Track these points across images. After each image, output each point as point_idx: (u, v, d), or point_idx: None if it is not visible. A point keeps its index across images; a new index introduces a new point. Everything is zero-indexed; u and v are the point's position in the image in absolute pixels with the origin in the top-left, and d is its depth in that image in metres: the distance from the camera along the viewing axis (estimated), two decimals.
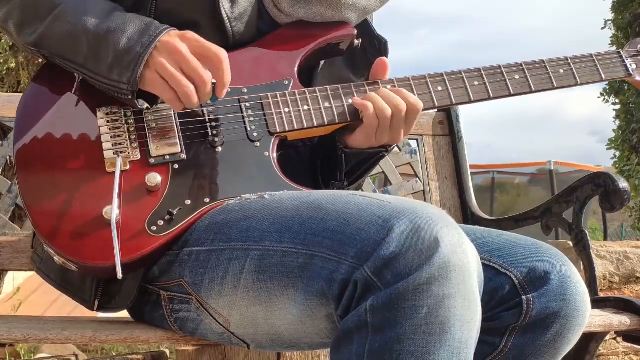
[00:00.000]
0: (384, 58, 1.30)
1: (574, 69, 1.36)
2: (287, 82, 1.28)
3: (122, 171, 1.15)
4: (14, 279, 4.30)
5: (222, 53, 1.16)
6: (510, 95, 1.33)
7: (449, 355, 0.94)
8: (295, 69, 1.29)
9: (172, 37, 1.15)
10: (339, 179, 1.31)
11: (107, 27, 1.16)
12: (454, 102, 1.31)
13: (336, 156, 1.29)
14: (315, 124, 1.24)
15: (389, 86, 1.28)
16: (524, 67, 1.34)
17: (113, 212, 1.10)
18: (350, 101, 1.26)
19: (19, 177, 1.16)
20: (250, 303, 1.06)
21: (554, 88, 1.35)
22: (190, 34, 1.16)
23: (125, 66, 1.14)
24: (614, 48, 5.59)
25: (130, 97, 1.16)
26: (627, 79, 1.42)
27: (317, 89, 1.26)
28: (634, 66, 1.42)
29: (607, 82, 6.03)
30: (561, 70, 1.36)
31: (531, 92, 1.34)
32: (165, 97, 1.16)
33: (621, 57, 1.41)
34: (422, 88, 1.29)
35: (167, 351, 2.62)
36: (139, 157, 1.18)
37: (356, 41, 1.35)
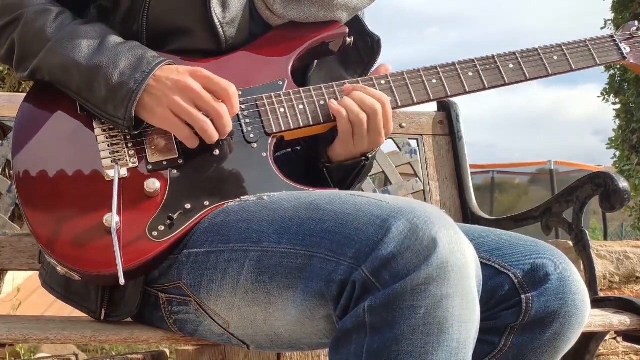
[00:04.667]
0: (386, 65, 1.30)
1: (567, 55, 1.36)
2: (281, 83, 1.28)
3: (120, 179, 1.16)
4: (14, 278, 4.30)
5: (231, 88, 1.17)
6: (505, 84, 1.33)
7: (447, 356, 0.94)
8: (289, 69, 1.29)
9: (181, 74, 1.16)
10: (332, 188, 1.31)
11: (99, 60, 1.17)
12: (449, 94, 1.30)
13: (320, 170, 1.30)
14: (312, 123, 1.24)
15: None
16: (518, 55, 1.34)
17: (113, 219, 1.10)
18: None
19: (19, 190, 1.17)
20: (249, 304, 1.06)
21: (548, 75, 1.35)
22: (199, 70, 1.17)
23: (119, 101, 1.15)
24: None
25: (127, 130, 1.18)
26: (621, 62, 1.41)
27: (311, 87, 1.26)
28: (628, 49, 1.40)
29: (607, 82, 6.03)
30: (555, 57, 1.35)
31: (526, 79, 1.34)
32: (180, 135, 1.17)
33: (615, 40, 1.40)
34: (417, 82, 1.29)
35: (167, 351, 2.62)
36: (137, 164, 1.18)
37: (348, 39, 1.35)
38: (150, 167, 1.19)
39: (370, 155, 1.29)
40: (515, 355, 1.18)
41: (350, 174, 1.31)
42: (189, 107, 1.15)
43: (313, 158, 1.33)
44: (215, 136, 1.17)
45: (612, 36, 1.41)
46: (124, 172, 1.17)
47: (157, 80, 1.16)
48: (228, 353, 1.78)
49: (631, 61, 1.41)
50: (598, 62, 1.38)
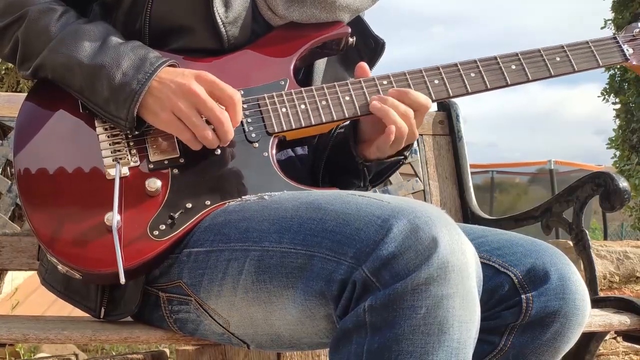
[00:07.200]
0: (363, 63, 1.29)
1: (570, 56, 1.35)
2: (283, 82, 1.27)
3: (121, 178, 1.16)
4: (13, 278, 4.30)
5: (236, 95, 1.17)
6: (507, 85, 1.32)
7: (448, 356, 0.94)
8: (291, 68, 1.29)
9: (186, 77, 1.16)
10: (362, 187, 1.32)
11: (101, 60, 1.17)
12: (451, 94, 1.30)
13: (356, 170, 1.29)
14: (313, 123, 1.24)
15: (385, 82, 1.26)
16: (520, 56, 1.33)
17: (114, 218, 1.10)
18: (347, 98, 1.25)
19: (20, 188, 1.17)
20: (249, 304, 1.06)
21: (551, 76, 1.34)
22: (205, 74, 1.17)
23: (121, 102, 1.15)
24: None
25: (129, 131, 1.18)
26: (624, 64, 1.40)
27: (313, 87, 1.26)
28: (631, 51, 1.39)
29: (607, 82, 6.03)
30: (557, 58, 1.35)
31: (528, 81, 1.33)
32: (183, 138, 1.17)
33: (617, 42, 1.39)
34: (419, 82, 1.29)
35: (167, 351, 2.62)
36: (138, 163, 1.18)
37: (350, 39, 1.35)
38: (151, 166, 1.19)
39: (407, 153, 1.30)
40: (515, 355, 1.18)
41: (388, 170, 1.32)
42: (191, 114, 1.15)
43: (316, 162, 1.33)
44: (215, 144, 1.17)
45: (614, 37, 1.40)
46: (125, 171, 1.17)
47: (161, 82, 1.16)
48: (228, 353, 1.79)
49: (634, 62, 1.40)
50: (601, 63, 1.37)
